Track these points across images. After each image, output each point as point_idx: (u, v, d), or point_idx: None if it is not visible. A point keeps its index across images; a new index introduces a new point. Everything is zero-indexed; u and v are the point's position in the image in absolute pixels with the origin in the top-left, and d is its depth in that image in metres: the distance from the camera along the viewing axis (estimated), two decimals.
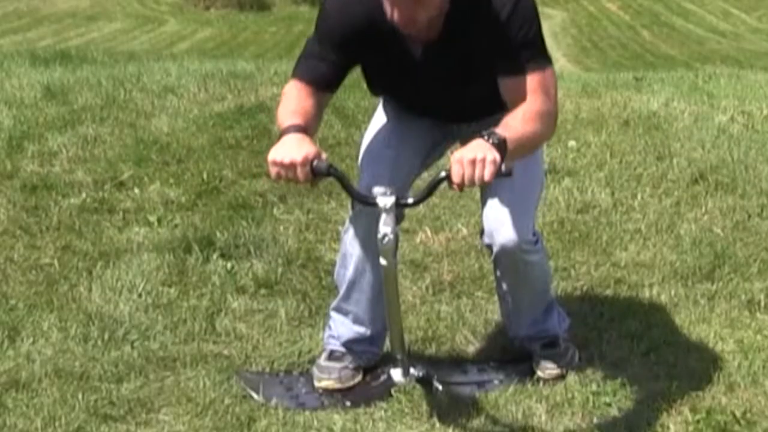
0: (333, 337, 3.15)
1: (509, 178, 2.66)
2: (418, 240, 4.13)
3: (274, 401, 2.95)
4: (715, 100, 6.47)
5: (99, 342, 3.24)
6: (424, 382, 2.99)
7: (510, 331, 3.23)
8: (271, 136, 5.38)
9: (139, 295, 3.57)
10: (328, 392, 3.04)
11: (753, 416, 2.90)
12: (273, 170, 2.65)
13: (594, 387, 3.05)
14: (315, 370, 3.10)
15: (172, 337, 3.30)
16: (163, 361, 3.15)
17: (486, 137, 2.63)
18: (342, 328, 3.14)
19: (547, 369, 3.12)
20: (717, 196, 4.62)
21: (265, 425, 2.84)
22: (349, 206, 3.08)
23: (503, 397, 2.99)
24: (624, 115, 5.94)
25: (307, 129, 2.72)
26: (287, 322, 3.43)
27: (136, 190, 4.59)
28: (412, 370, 2.97)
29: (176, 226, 4.21)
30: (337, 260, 3.18)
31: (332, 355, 3.12)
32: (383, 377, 3.05)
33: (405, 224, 4.27)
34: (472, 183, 2.59)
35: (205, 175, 4.74)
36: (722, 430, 2.85)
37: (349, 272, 3.08)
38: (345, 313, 3.14)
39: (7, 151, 5.03)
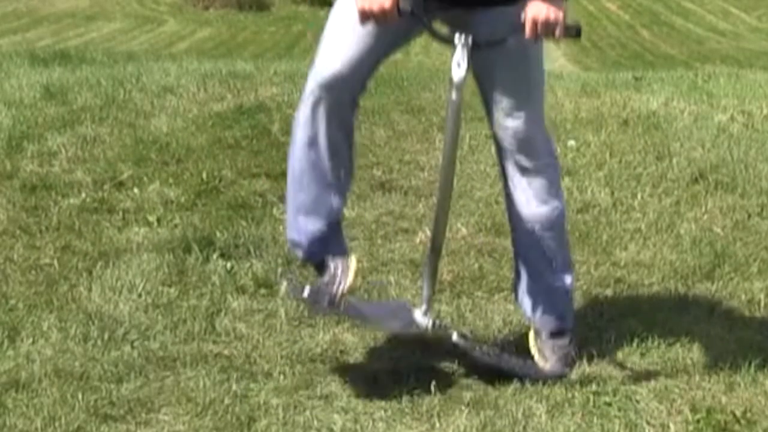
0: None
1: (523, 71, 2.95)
2: (417, 240, 4.13)
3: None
4: (714, 99, 6.48)
5: (99, 342, 3.24)
6: (442, 331, 3.06)
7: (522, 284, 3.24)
8: (270, 135, 5.39)
9: (139, 295, 3.57)
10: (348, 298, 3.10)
11: (753, 416, 2.90)
12: (362, 18, 2.87)
13: (594, 387, 3.05)
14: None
15: (172, 337, 3.30)
16: (162, 361, 3.15)
17: None
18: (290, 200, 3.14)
19: (551, 360, 3.13)
20: (717, 195, 4.63)
21: (265, 425, 2.83)
22: (306, 90, 3.03)
23: (503, 397, 2.99)
24: (623, 114, 5.94)
25: None
26: (287, 322, 3.43)
27: (136, 190, 4.59)
28: (430, 316, 3.05)
29: (176, 226, 4.21)
30: (294, 147, 3.13)
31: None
32: (405, 313, 3.09)
33: (405, 224, 4.29)
34: (544, 37, 2.86)
35: (204, 175, 4.74)
36: (722, 429, 2.85)
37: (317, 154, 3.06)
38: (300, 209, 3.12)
39: (7, 151, 5.03)
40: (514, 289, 3.31)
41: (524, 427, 2.85)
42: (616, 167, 4.98)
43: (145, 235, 4.11)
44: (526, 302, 3.26)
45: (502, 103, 3.04)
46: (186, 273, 3.77)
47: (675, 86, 7.02)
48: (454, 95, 2.90)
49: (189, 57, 9.75)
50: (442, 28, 3.04)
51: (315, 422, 2.86)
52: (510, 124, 3.06)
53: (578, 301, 3.65)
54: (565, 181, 4.78)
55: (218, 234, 4.08)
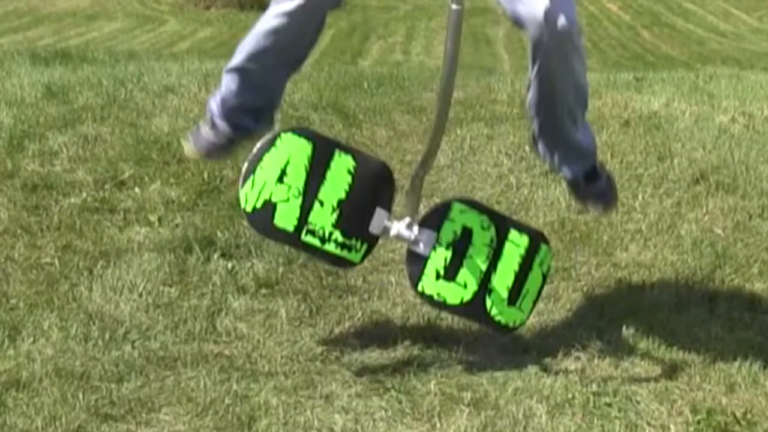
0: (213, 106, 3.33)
1: None
2: None
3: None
4: (715, 100, 6.47)
5: (99, 342, 3.24)
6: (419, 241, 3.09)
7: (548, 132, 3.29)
8: None
9: (140, 295, 3.57)
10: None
11: (754, 417, 2.90)
12: None
13: (594, 387, 3.05)
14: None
15: (173, 336, 3.31)
16: (163, 360, 3.15)
17: None
18: (230, 84, 3.26)
19: (599, 203, 3.28)
20: (718, 196, 4.62)
21: (265, 425, 2.84)
22: None
23: (504, 397, 3.00)
24: (624, 115, 5.94)
25: None
26: (288, 322, 3.43)
27: (137, 190, 4.59)
28: (415, 226, 3.08)
29: (177, 225, 4.21)
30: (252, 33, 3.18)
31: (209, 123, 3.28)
32: (383, 220, 3.12)
33: None
34: None
35: (205, 175, 4.74)
36: (723, 430, 2.85)
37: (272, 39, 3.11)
38: (241, 73, 3.19)
39: (8, 151, 5.03)
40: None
41: (525, 428, 2.85)
42: (616, 168, 4.97)
43: (146, 234, 4.12)
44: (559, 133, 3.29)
45: None
46: (187, 273, 3.77)
47: (676, 87, 7.01)
48: (455, 3, 2.77)
49: (190, 56, 9.75)
50: None
51: (316, 422, 2.86)
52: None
53: (579, 301, 3.66)
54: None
55: (219, 234, 4.08)
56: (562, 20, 2.94)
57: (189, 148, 3.49)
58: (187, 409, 2.90)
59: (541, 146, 3.42)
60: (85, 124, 5.48)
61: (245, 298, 3.60)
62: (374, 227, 3.11)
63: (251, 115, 3.39)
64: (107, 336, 3.27)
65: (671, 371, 3.15)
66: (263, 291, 3.66)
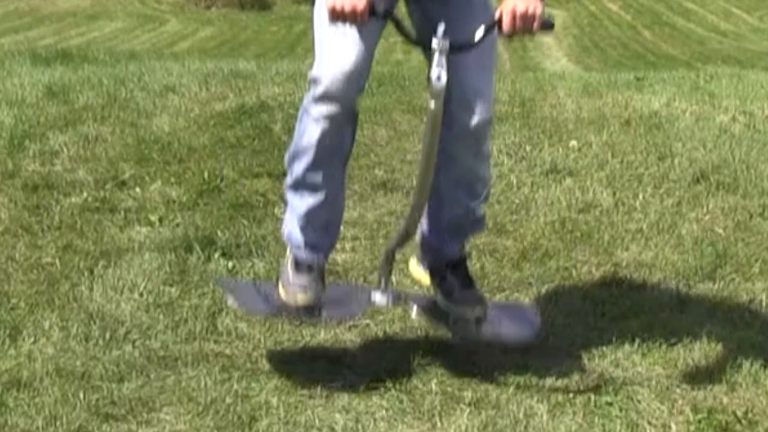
0: (294, 236, 3.16)
1: (483, 51, 2.90)
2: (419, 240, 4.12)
3: (251, 309, 3.01)
4: (716, 100, 6.47)
5: (100, 341, 3.24)
6: (401, 304, 3.11)
7: (433, 222, 3.20)
8: (272, 135, 5.39)
9: (141, 295, 3.57)
10: (304, 307, 3.08)
11: (755, 416, 2.90)
12: (332, 17, 2.82)
13: (595, 387, 3.05)
14: (287, 288, 3.11)
15: (174, 336, 3.30)
16: (164, 360, 3.15)
17: None
18: (301, 205, 3.12)
19: (468, 307, 3.15)
20: (718, 196, 4.62)
21: (266, 424, 2.84)
22: (312, 93, 2.99)
23: (504, 396, 3.00)
24: (625, 114, 5.94)
25: None
26: (288, 322, 3.43)
27: (138, 190, 4.59)
28: (389, 291, 3.09)
29: (177, 225, 4.21)
30: (294, 145, 3.12)
31: (298, 268, 3.13)
32: (361, 294, 3.13)
33: None
34: (520, 34, 2.85)
35: (206, 175, 4.74)
36: (724, 429, 2.85)
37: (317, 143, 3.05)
38: (307, 187, 3.10)
39: (9, 150, 5.03)
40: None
41: (525, 427, 2.85)
42: (617, 167, 4.97)
43: (147, 234, 4.12)
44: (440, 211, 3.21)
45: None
46: (187, 272, 3.77)
47: (677, 87, 7.01)
48: (433, 104, 2.82)
49: (191, 56, 9.74)
50: (418, 31, 3.03)
51: (316, 422, 2.86)
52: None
53: (580, 300, 3.66)
54: (567, 182, 4.79)
55: (220, 233, 4.08)
56: (487, 108, 3.05)
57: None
58: (188, 408, 2.90)
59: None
60: (86, 124, 5.49)
61: None
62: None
63: (328, 232, 3.23)
64: (108, 335, 3.27)
65: (672, 371, 3.15)
66: None
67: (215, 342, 3.29)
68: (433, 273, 3.27)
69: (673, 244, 4.13)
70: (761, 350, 3.27)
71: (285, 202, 3.25)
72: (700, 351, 3.26)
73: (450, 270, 3.22)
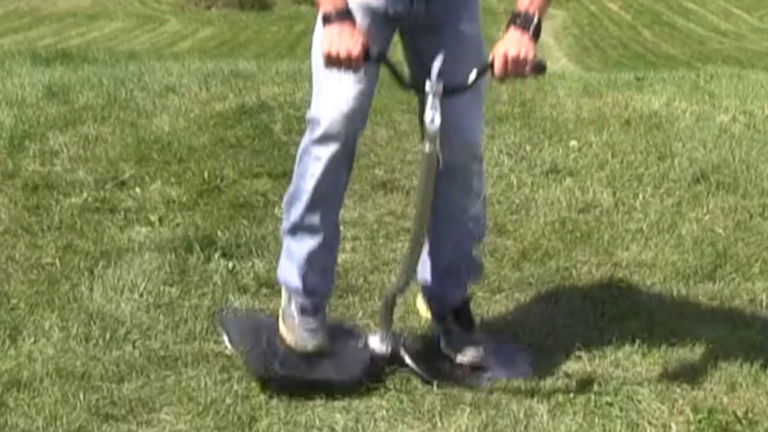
0: (293, 282, 3.14)
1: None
2: None
3: (252, 365, 3.00)
4: (716, 99, 6.48)
5: (100, 341, 3.24)
6: (400, 350, 3.10)
7: (442, 258, 3.18)
8: (272, 135, 5.39)
9: (141, 295, 3.57)
10: (309, 356, 3.06)
11: (755, 416, 2.90)
12: (326, 61, 2.79)
13: (596, 387, 3.05)
14: (296, 335, 3.09)
15: (174, 336, 3.30)
16: (164, 360, 3.15)
17: (523, 26, 2.79)
18: (300, 249, 3.10)
19: (468, 353, 3.14)
20: (718, 195, 4.63)
21: (266, 424, 2.83)
22: (312, 133, 2.98)
23: (505, 396, 2.99)
24: (625, 114, 5.94)
25: (349, 11, 2.81)
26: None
27: (138, 190, 4.59)
28: (388, 338, 3.10)
29: (177, 225, 4.21)
30: (293, 186, 3.10)
31: (305, 311, 3.11)
32: (360, 345, 3.12)
33: (407, 224, 4.29)
34: (512, 77, 2.83)
35: (206, 175, 4.74)
36: (724, 429, 2.84)
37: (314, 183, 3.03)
38: (306, 230, 3.09)
39: (9, 151, 5.03)
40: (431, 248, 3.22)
41: (525, 427, 2.85)
42: (617, 167, 4.97)
43: (147, 234, 4.12)
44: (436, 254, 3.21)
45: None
46: (187, 272, 3.77)
47: (677, 86, 7.01)
48: (427, 147, 2.80)
49: (191, 56, 9.74)
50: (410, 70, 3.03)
51: (317, 421, 2.86)
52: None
53: (580, 301, 3.66)
54: (567, 182, 4.79)
55: (220, 233, 4.08)
56: (475, 139, 3.06)
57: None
58: (188, 408, 2.90)
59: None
60: (86, 124, 5.49)
61: (246, 298, 3.60)
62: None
63: (325, 276, 3.21)
64: (108, 336, 3.27)
65: (672, 370, 3.15)
66: (264, 291, 3.66)
67: (215, 342, 3.29)
68: (436, 317, 3.28)
69: (673, 244, 4.13)
70: (761, 350, 3.27)
71: (281, 246, 3.23)
72: (700, 351, 3.26)
73: (452, 316, 3.23)
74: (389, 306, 3.13)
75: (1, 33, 30.61)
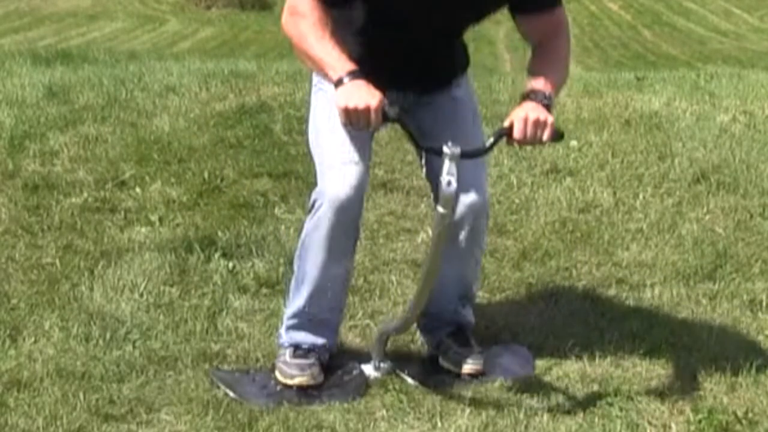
0: (294, 334, 3.12)
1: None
2: (419, 240, 4.13)
3: (251, 399, 2.95)
4: (716, 99, 6.47)
5: (100, 341, 3.24)
6: (395, 374, 3.09)
7: (433, 308, 3.13)
8: (272, 135, 5.39)
9: (141, 295, 3.57)
10: (303, 389, 3.02)
11: (755, 416, 2.90)
12: (344, 117, 2.74)
13: (595, 387, 3.05)
14: (284, 369, 3.06)
15: (174, 336, 3.30)
16: (164, 360, 3.15)
17: (538, 99, 2.83)
18: (299, 335, 3.10)
19: (469, 364, 3.12)
20: (719, 195, 4.62)
21: (266, 425, 2.83)
22: (320, 189, 2.97)
23: (505, 396, 3.00)
24: (625, 114, 5.94)
25: (360, 71, 2.77)
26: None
27: (138, 190, 4.59)
28: (382, 364, 3.09)
29: (178, 225, 4.21)
30: (300, 248, 3.07)
31: (297, 352, 3.09)
32: (355, 372, 3.11)
33: (407, 224, 4.30)
34: (531, 142, 2.83)
35: (206, 175, 4.74)
36: (724, 429, 2.84)
37: (318, 265, 3.02)
38: (306, 318, 3.08)
39: (9, 151, 5.03)
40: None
41: (525, 427, 2.85)
42: (618, 167, 4.97)
43: (147, 234, 4.12)
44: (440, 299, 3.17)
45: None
46: (188, 272, 3.77)
47: (677, 86, 7.01)
48: (443, 210, 2.77)
49: (191, 56, 9.74)
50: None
51: (317, 422, 2.86)
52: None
53: (580, 300, 3.66)
54: (567, 182, 4.79)
55: (220, 233, 4.08)
56: (483, 196, 3.08)
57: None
58: (188, 408, 2.90)
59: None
60: (86, 124, 5.49)
61: (246, 298, 3.60)
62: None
63: (328, 329, 3.16)
64: (108, 336, 3.27)
65: (672, 371, 3.14)
66: (264, 291, 3.66)
67: (215, 342, 3.29)
68: (434, 344, 3.26)
69: (674, 244, 4.13)
70: (761, 350, 3.27)
71: (287, 301, 3.21)
72: (700, 351, 3.26)
73: (451, 338, 3.22)
74: (383, 341, 3.14)
75: (2, 33, 30.60)
